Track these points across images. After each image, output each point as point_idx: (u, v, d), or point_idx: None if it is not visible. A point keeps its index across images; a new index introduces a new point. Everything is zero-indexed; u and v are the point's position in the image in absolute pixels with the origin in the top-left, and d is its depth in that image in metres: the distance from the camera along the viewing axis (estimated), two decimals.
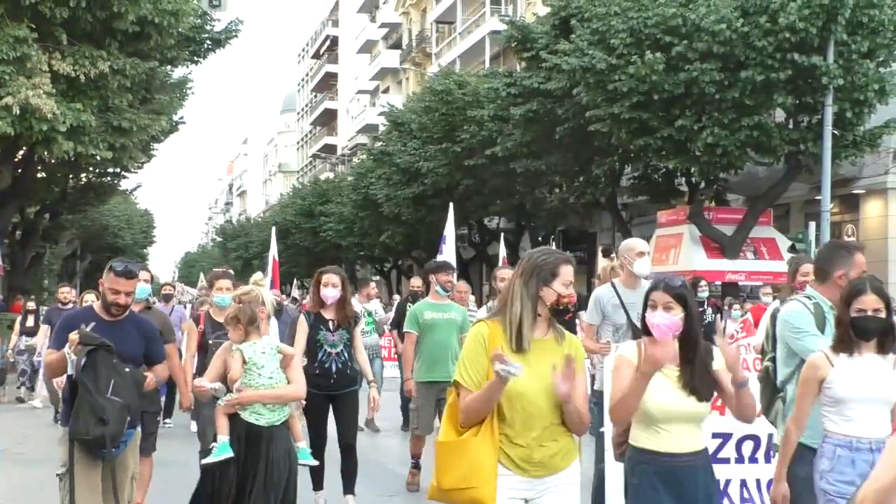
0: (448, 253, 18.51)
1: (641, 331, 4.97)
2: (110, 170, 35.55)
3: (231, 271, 10.04)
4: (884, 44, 20.97)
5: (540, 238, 35.72)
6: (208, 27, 29.10)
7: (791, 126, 22.54)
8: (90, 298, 11.09)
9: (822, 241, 21.73)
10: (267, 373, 6.36)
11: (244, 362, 6.31)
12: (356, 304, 13.61)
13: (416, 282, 16.11)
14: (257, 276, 7.58)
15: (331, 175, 68.71)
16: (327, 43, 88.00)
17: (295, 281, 50.53)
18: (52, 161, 25.76)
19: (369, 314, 14.69)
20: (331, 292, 8.74)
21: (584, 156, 26.81)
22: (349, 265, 61.60)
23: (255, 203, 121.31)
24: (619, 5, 22.22)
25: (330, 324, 8.78)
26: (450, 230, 19.49)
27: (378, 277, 59.34)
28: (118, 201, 57.10)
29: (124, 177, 39.22)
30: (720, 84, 20.94)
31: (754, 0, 20.65)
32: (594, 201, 29.78)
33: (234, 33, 29.49)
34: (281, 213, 66.03)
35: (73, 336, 5.94)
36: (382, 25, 70.14)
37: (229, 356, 6.37)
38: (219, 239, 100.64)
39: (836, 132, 21.46)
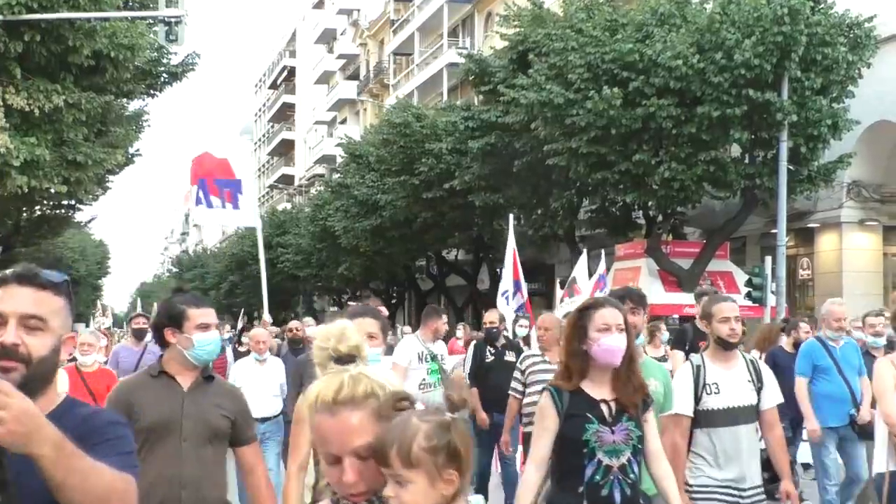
0: (507, 277, 15.46)
1: None
2: (65, 202, 35.20)
3: (382, 309, 6.21)
4: (837, 80, 21.23)
5: (498, 270, 35.69)
6: (165, 61, 28.94)
7: (747, 161, 22.74)
8: None
9: (777, 275, 21.94)
10: None
11: None
12: (417, 342, 10.35)
13: (491, 316, 12.05)
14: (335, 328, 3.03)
15: (288, 206, 68.48)
16: (284, 73, 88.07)
17: (243, 316, 50.01)
18: (5, 195, 25.46)
19: (433, 359, 10.22)
20: (616, 342, 4.81)
21: (542, 189, 26.90)
22: (307, 296, 61.40)
23: (211, 233, 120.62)
24: (577, 41, 22.36)
25: (604, 409, 4.84)
26: (509, 247, 16.11)
27: (336, 309, 59.18)
28: (73, 233, 56.57)
29: (79, 209, 38.88)
30: (677, 119, 21.09)
31: (710, 37, 20.85)
32: (552, 234, 29.86)
33: (191, 67, 29.33)
34: (238, 243, 65.69)
35: None
36: (340, 56, 70.27)
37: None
38: (175, 269, 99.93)
39: (791, 167, 21.70)
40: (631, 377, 4.86)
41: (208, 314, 4.92)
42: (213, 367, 6.24)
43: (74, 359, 9.62)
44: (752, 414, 6.10)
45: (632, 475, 4.80)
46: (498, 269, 36.35)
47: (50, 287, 2.71)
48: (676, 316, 23.66)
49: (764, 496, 6.22)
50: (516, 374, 9.41)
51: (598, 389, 4.85)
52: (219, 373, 10.83)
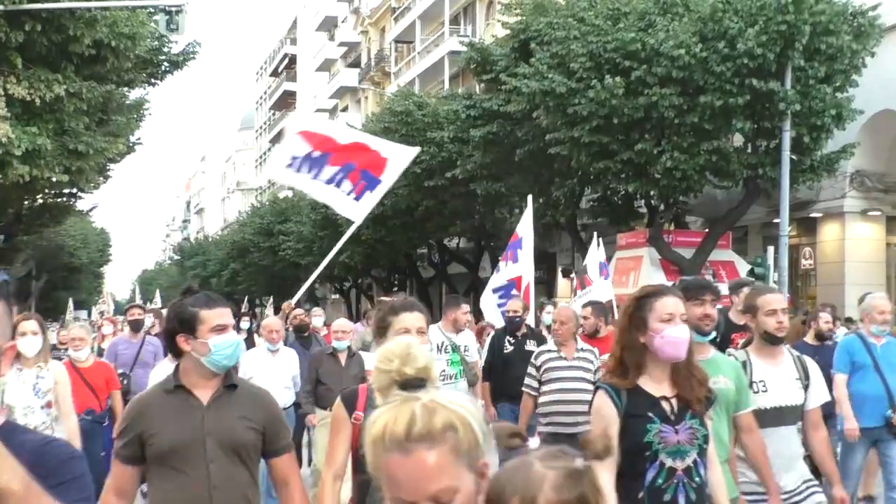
0: (525, 260, 13.95)
1: None
2: (66, 191, 35.20)
3: (416, 302, 5.17)
4: (840, 69, 21.14)
5: (500, 259, 35.70)
6: (166, 49, 28.87)
7: (749, 150, 22.68)
8: (30, 328, 7.82)
9: (780, 265, 21.92)
10: None
11: None
12: (437, 332, 9.87)
13: (514, 305, 11.68)
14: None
15: (290, 193, 68.42)
16: (286, 61, 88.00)
17: (246, 302, 50.03)
18: (7, 184, 25.46)
19: (454, 350, 9.99)
20: (681, 333, 4.35)
21: (544, 178, 26.84)
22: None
23: (213, 221, 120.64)
24: (579, 29, 22.29)
25: (666, 407, 4.36)
26: (526, 228, 14.38)
27: (337, 296, 59.16)
28: (74, 220, 56.51)
29: (80, 197, 38.86)
30: (679, 108, 21.01)
31: (713, 26, 20.76)
32: (554, 223, 29.81)
33: (191, 55, 29.27)
34: (239, 231, 65.65)
35: None
36: (341, 44, 70.12)
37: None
38: (176, 257, 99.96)
39: (793, 157, 21.64)
40: (692, 370, 4.40)
41: (224, 314, 4.39)
42: None
43: (66, 354, 9.53)
44: (798, 414, 5.73)
45: (697, 478, 4.31)
46: (500, 258, 36.38)
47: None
48: None
49: (817, 488, 5.77)
50: (531, 370, 9.10)
51: (657, 385, 4.37)
52: None
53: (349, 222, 11.23)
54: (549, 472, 2.08)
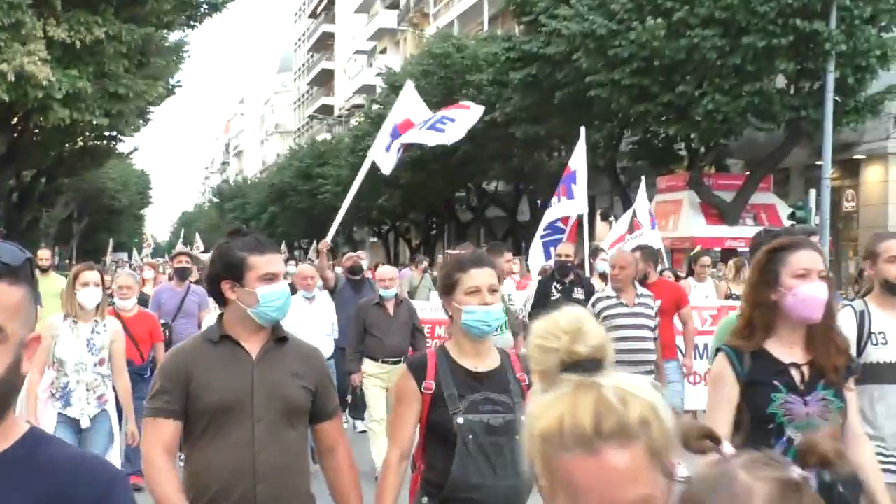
0: (580, 196, 13.32)
1: None
2: (106, 134, 35.39)
3: (486, 255, 4.59)
4: (886, 9, 20.85)
5: (539, 202, 35.60)
6: None
7: (792, 92, 22.42)
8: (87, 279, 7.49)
9: (822, 208, 21.70)
10: None
11: None
12: None
13: (566, 249, 10.81)
14: None
15: (328, 136, 68.42)
16: (324, 2, 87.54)
17: (283, 246, 50.23)
18: (48, 127, 25.63)
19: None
20: (817, 291, 3.75)
21: (584, 121, 26.63)
22: (346, 227, 61.59)
23: (251, 163, 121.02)
24: None
25: (795, 375, 3.82)
26: (579, 161, 13.66)
27: (375, 239, 59.34)
28: (115, 163, 56.83)
29: (120, 140, 39.07)
30: (721, 50, 20.79)
31: None
32: (593, 165, 29.61)
33: None
34: (278, 174, 65.79)
35: None
36: None
37: None
38: (216, 199, 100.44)
39: (837, 98, 21.35)
40: (831, 334, 3.83)
41: (275, 261, 3.88)
42: None
43: (112, 302, 9.24)
44: None
45: None
46: (539, 201, 36.25)
47: (6, 275, 1.84)
48: (718, 249, 23.58)
49: None
50: None
51: (787, 350, 3.83)
52: None
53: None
54: (757, 484, 1.63)
